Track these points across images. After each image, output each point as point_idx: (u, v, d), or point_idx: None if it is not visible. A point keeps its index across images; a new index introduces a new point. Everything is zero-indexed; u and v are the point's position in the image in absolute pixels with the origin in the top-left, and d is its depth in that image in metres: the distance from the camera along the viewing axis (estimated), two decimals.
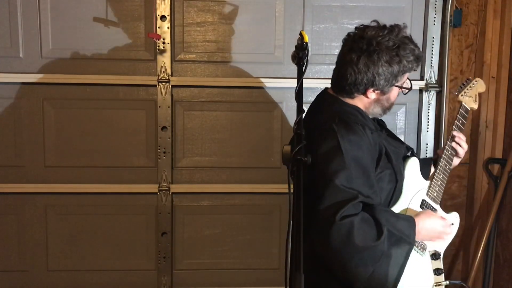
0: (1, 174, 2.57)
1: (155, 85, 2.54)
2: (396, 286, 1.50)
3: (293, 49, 1.75)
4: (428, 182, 1.76)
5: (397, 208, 1.64)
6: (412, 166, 1.71)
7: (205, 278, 2.71)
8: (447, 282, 1.70)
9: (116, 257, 2.67)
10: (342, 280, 1.51)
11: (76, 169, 2.59)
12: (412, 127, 2.69)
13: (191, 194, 2.65)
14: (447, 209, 2.77)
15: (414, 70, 1.66)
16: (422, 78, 2.65)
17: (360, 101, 1.66)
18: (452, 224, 1.74)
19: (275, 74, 2.59)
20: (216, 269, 2.71)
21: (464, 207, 2.80)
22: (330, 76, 2.65)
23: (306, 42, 1.68)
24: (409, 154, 1.73)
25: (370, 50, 1.56)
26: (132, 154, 2.60)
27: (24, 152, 2.57)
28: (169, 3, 2.49)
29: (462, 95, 1.85)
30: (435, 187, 1.76)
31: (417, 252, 1.63)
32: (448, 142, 1.81)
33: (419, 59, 1.64)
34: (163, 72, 2.52)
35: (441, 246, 1.72)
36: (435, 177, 1.77)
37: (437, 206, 1.74)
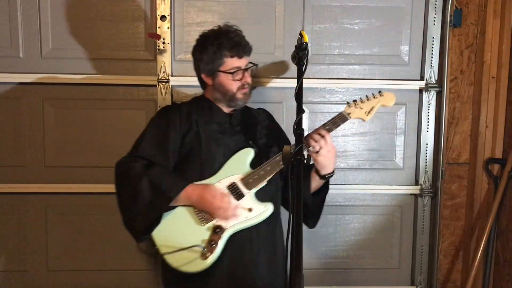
0: (1, 174, 2.57)
1: (155, 85, 2.54)
2: (149, 227, 1.82)
3: (293, 49, 1.76)
4: (251, 170, 1.88)
5: (205, 182, 1.87)
6: (240, 155, 1.90)
7: None
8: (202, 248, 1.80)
9: (116, 257, 2.67)
10: None
11: (76, 169, 2.59)
12: (412, 127, 2.69)
13: None
14: (446, 208, 2.79)
15: (229, 57, 1.91)
16: (422, 78, 2.65)
17: (207, 91, 2.03)
18: (251, 210, 1.86)
19: (274, 74, 2.59)
20: None
21: (464, 207, 2.80)
22: (330, 76, 2.68)
23: (306, 42, 1.69)
24: (254, 147, 1.92)
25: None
26: None
27: (24, 152, 2.57)
28: (169, 3, 2.49)
29: (349, 106, 1.96)
30: (255, 176, 1.86)
31: (198, 218, 1.83)
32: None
33: (222, 46, 1.90)
34: (163, 72, 2.52)
35: (226, 223, 1.84)
36: (260, 167, 1.88)
37: (247, 191, 1.86)
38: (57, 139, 2.57)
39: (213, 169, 1.90)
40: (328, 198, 2.68)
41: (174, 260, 1.82)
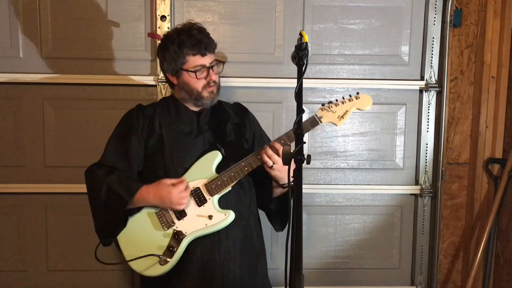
0: (1, 174, 2.58)
1: (155, 85, 2.54)
2: (115, 231, 1.87)
3: (293, 49, 1.75)
4: (215, 175, 1.86)
5: None
6: (206, 158, 1.87)
7: None
8: (164, 258, 1.81)
9: (116, 257, 2.67)
10: None
11: (76, 169, 2.58)
12: (412, 127, 2.69)
13: None
14: (446, 208, 2.79)
15: (192, 55, 1.88)
16: (422, 78, 2.65)
17: (175, 91, 2.00)
18: (211, 217, 1.83)
19: (275, 74, 2.59)
20: None
21: (464, 207, 2.80)
22: (330, 76, 2.68)
23: (306, 42, 1.69)
24: (221, 150, 1.88)
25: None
26: None
27: (24, 152, 2.57)
28: (169, 3, 2.49)
29: (322, 109, 1.86)
30: (218, 181, 1.83)
31: (160, 223, 1.84)
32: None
33: (183, 44, 1.87)
34: None
35: (186, 229, 1.83)
36: (224, 172, 1.84)
37: (209, 198, 1.84)
38: (57, 139, 2.57)
39: (178, 172, 1.87)
40: (328, 198, 2.71)
41: (137, 266, 1.85)
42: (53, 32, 2.50)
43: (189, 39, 1.87)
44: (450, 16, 2.57)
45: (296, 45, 1.73)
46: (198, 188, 1.84)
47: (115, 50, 2.53)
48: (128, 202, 1.81)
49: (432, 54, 2.62)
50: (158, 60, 2.04)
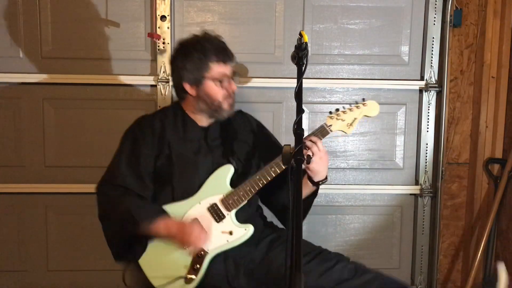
0: (1, 174, 2.57)
1: (155, 85, 2.54)
2: (136, 255, 1.81)
3: (293, 49, 1.75)
4: (231, 190, 1.84)
5: (186, 203, 1.84)
6: (219, 172, 1.84)
7: None
8: (194, 277, 1.79)
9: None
10: None
11: (76, 169, 2.59)
12: (412, 127, 2.69)
13: None
14: (446, 208, 2.79)
15: (215, 61, 1.82)
16: (422, 78, 2.64)
17: (186, 102, 1.91)
18: (231, 233, 1.82)
19: (275, 74, 2.59)
20: None
21: (464, 207, 2.80)
22: (330, 76, 2.68)
23: (306, 42, 1.68)
24: (233, 163, 1.85)
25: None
26: None
27: (24, 152, 2.57)
28: (169, 3, 2.49)
29: (331, 117, 1.86)
30: (234, 196, 1.82)
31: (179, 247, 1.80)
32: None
33: (207, 51, 1.82)
34: (163, 72, 2.52)
35: (208, 247, 1.81)
36: (240, 187, 1.82)
37: (227, 213, 1.82)
38: (57, 139, 2.57)
39: (188, 194, 1.84)
40: (328, 198, 2.71)
41: None
42: (53, 32, 2.50)
43: (213, 46, 1.83)
44: (450, 16, 2.57)
45: (296, 45, 1.73)
46: (215, 204, 1.82)
47: (115, 50, 2.53)
48: (147, 230, 1.77)
49: (432, 54, 2.62)
50: (172, 69, 1.93)
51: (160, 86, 2.53)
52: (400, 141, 2.70)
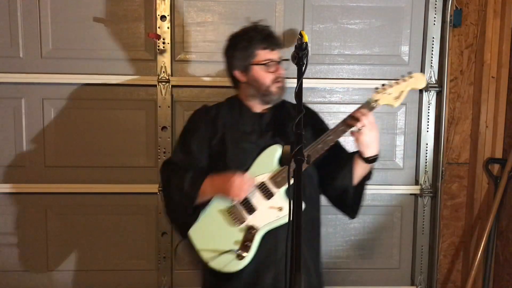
0: (1, 174, 2.58)
1: (155, 85, 2.54)
2: (187, 226, 1.89)
3: (293, 49, 1.75)
4: (279, 168, 1.87)
5: None
6: (267, 152, 1.89)
7: None
8: (246, 254, 1.83)
9: (116, 257, 2.68)
10: None
11: (76, 169, 2.59)
12: (412, 127, 2.69)
13: None
14: (446, 208, 2.79)
15: (261, 49, 1.89)
16: None
17: (240, 90, 2.00)
18: (281, 209, 1.85)
19: None
20: None
21: (464, 207, 2.80)
22: (330, 76, 2.68)
23: (306, 42, 1.69)
24: (281, 144, 1.89)
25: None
26: (132, 154, 2.60)
27: (24, 152, 2.57)
28: (169, 3, 2.49)
29: (378, 92, 1.87)
30: (283, 174, 1.85)
31: (232, 219, 1.85)
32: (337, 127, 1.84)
33: (253, 39, 1.90)
34: (163, 72, 2.52)
35: (258, 223, 1.84)
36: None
37: (276, 190, 1.85)
38: (57, 139, 2.57)
39: (240, 171, 1.88)
40: None
41: (216, 264, 1.86)
42: (53, 32, 2.50)
43: (258, 34, 1.91)
44: (450, 16, 2.57)
45: (296, 45, 1.73)
46: (264, 183, 1.86)
47: (115, 50, 2.53)
48: (195, 196, 1.86)
49: (432, 54, 2.62)
50: (225, 60, 2.00)
51: (160, 86, 2.53)
52: (400, 141, 2.70)
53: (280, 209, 1.84)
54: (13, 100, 2.54)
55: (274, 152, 1.89)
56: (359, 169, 1.91)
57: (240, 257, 1.82)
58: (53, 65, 2.52)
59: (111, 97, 2.56)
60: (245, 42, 1.91)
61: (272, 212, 1.85)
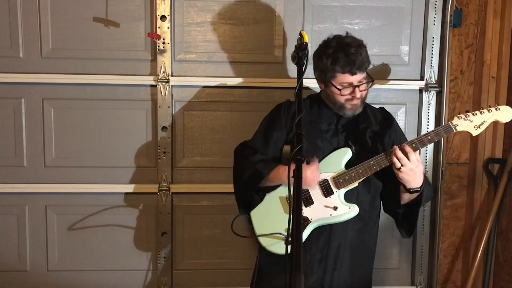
0: (1, 174, 2.58)
1: (155, 85, 2.54)
2: (252, 205, 1.99)
3: (293, 49, 1.76)
4: (344, 170, 1.94)
5: None
6: (337, 153, 1.97)
7: (205, 278, 2.71)
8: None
9: (116, 257, 2.68)
10: None
11: (76, 169, 2.59)
12: (412, 127, 2.69)
13: (191, 194, 2.65)
14: (446, 208, 2.79)
15: (341, 73, 1.90)
16: (422, 78, 2.65)
17: (324, 92, 2.05)
18: (336, 208, 1.92)
19: (275, 74, 2.59)
20: (216, 269, 2.71)
21: (464, 207, 2.80)
22: None
23: (306, 42, 1.69)
24: (352, 148, 1.97)
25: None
26: (132, 154, 2.61)
27: (24, 152, 2.57)
28: (169, 3, 2.49)
29: (459, 117, 1.89)
30: (346, 176, 1.92)
31: (289, 207, 1.93)
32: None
33: (336, 62, 1.90)
34: (163, 72, 2.52)
35: (312, 216, 1.93)
36: (353, 168, 1.92)
37: (335, 190, 1.93)
38: (57, 139, 2.57)
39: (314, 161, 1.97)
40: None
41: (264, 241, 1.95)
42: (53, 32, 2.50)
43: (344, 58, 1.89)
44: (450, 16, 2.57)
45: (296, 45, 1.73)
46: (326, 180, 1.93)
47: (115, 50, 2.53)
48: (263, 176, 1.94)
49: (432, 54, 2.62)
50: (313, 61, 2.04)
51: (160, 86, 2.53)
52: None
53: (335, 208, 1.91)
54: (13, 100, 2.54)
55: (343, 154, 1.95)
56: (405, 195, 1.95)
57: (287, 242, 1.87)
58: (53, 65, 2.52)
59: (111, 97, 2.56)
60: (329, 61, 1.91)
61: (327, 210, 1.92)
